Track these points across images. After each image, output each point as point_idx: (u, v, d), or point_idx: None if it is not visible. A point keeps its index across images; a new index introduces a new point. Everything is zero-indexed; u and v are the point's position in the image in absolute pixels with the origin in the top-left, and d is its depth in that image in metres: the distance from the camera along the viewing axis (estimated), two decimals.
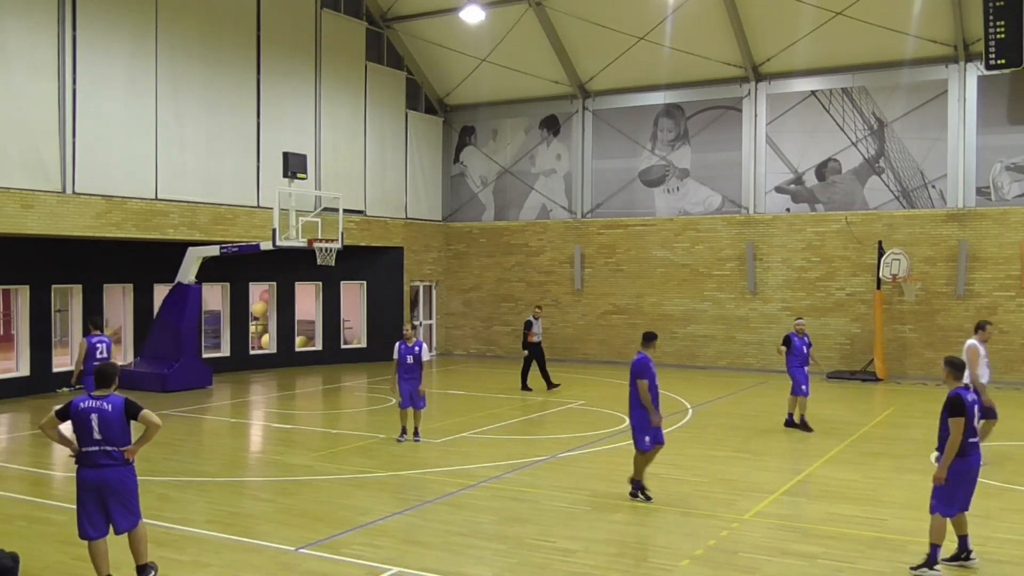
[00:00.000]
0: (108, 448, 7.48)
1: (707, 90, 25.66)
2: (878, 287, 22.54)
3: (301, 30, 24.70)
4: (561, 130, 27.99)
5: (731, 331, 25.14)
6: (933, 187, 23.05)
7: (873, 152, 23.72)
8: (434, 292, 29.85)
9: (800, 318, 17.10)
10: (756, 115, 25.04)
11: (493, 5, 25.09)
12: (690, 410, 18.00)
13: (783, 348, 15.95)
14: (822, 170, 24.33)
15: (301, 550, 8.83)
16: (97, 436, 7.46)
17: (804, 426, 15.58)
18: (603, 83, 26.93)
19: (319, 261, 20.34)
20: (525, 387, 20.72)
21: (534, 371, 20.86)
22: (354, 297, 27.92)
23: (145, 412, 7.62)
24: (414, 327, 15.36)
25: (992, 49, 20.99)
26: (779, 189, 24.87)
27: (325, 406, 19.84)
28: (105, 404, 7.52)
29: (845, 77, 23.96)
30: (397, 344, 14.53)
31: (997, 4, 20.74)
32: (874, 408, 18.90)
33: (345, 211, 21.68)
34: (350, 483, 11.83)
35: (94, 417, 7.46)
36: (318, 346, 26.82)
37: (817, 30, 23.11)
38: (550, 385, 20.68)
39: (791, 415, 15.89)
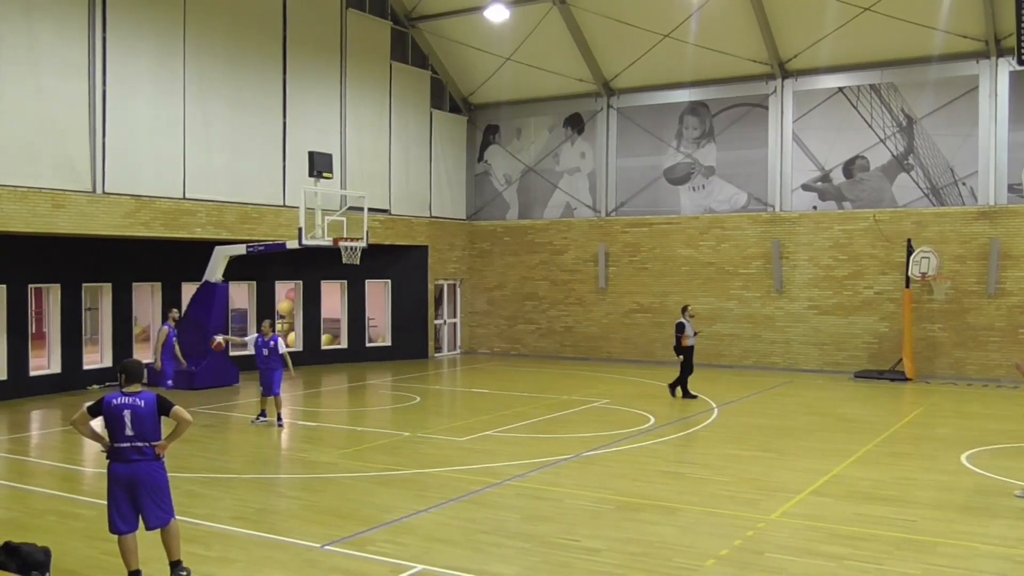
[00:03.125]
0: (140, 444, 7.58)
1: (732, 87, 25.50)
2: (907, 285, 22.30)
3: (327, 30, 24.81)
4: (585, 128, 27.92)
5: (757, 330, 24.98)
6: (963, 184, 22.77)
7: (902, 149, 23.46)
8: (458, 290, 29.90)
9: None
10: (782, 112, 24.85)
11: (517, 4, 25.07)
12: (716, 409, 17.91)
13: None
14: (850, 167, 24.10)
15: (326, 547, 8.87)
16: (129, 432, 7.55)
17: None
18: (628, 81, 26.84)
19: (344, 260, 20.42)
20: (688, 395, 19.14)
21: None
22: (379, 295, 28.02)
23: (177, 408, 7.73)
24: (271, 325, 16.50)
25: None
26: (806, 187, 24.66)
27: (350, 404, 19.92)
28: (138, 400, 7.61)
29: (873, 73, 23.72)
30: (255, 337, 16.24)
31: None
32: (902, 408, 18.70)
33: (370, 210, 21.76)
34: (375, 480, 11.87)
35: (127, 413, 7.55)
36: (343, 344, 26.94)
37: (844, 26, 22.89)
38: (687, 394, 19.12)
39: None
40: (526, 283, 28.73)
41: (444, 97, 29.25)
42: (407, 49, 27.77)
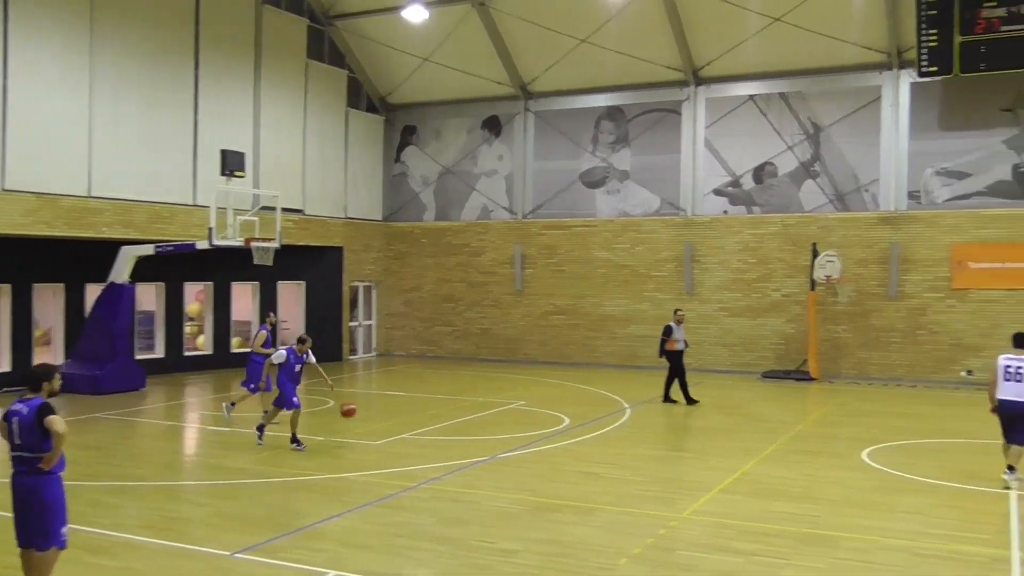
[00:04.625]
0: (26, 454, 7.08)
1: (648, 93, 25.91)
2: (812, 288, 22.98)
3: (241, 26, 24.33)
4: (503, 131, 28.01)
5: None
6: (866, 191, 23.59)
7: (809, 156, 24.18)
8: (374, 292, 29.65)
9: None
10: (695, 119, 25.36)
11: (436, 5, 25.01)
12: (628, 409, 18.15)
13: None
14: (759, 173, 24.73)
15: (237, 555, 8.69)
16: (17, 441, 7.10)
17: None
18: (545, 84, 27.03)
19: (256, 261, 20.04)
20: (668, 399, 18.98)
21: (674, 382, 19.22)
22: (293, 297, 27.59)
23: (50, 418, 7.00)
24: (308, 343, 14.87)
25: (924, 57, 21.59)
26: (717, 192, 25.22)
27: (262, 408, 19.54)
28: (24, 408, 7.16)
29: (782, 82, 24.39)
30: (285, 352, 14.11)
31: (929, 13, 21.35)
32: (808, 407, 19.27)
33: (283, 210, 21.41)
34: (288, 486, 11.68)
35: (15, 421, 7.12)
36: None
37: (756, 35, 23.51)
38: (689, 400, 18.78)
39: None
40: (443, 285, 28.67)
41: (361, 96, 28.98)
42: (324, 47, 27.43)
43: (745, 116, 24.81)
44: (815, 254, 22.86)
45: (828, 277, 22.51)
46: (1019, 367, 11.81)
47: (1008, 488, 11.40)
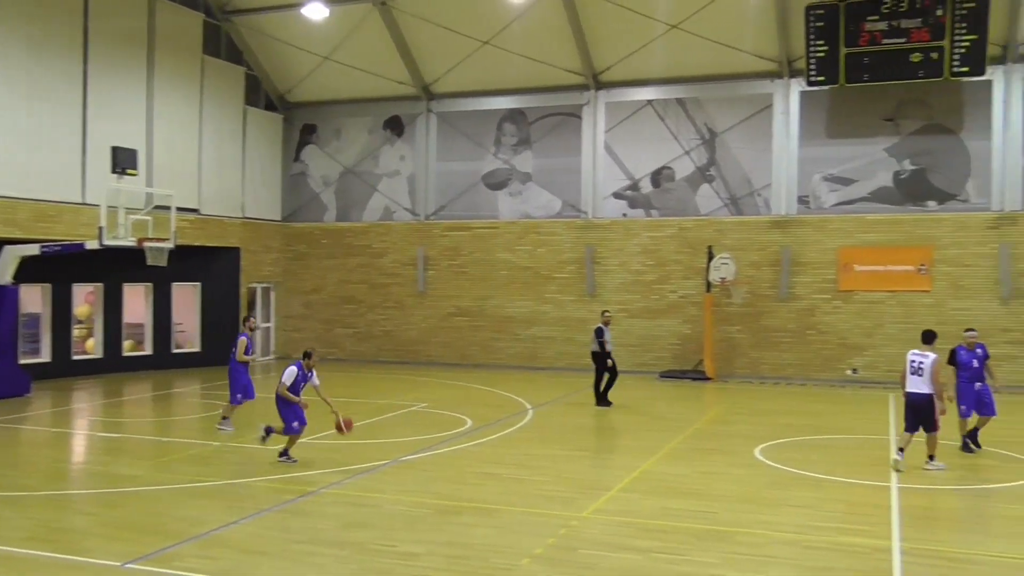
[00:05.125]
0: None
1: (549, 96, 26.17)
2: (708, 290, 23.60)
3: (133, 19, 23.55)
4: (405, 131, 27.87)
5: (571, 332, 25.71)
6: (759, 195, 24.35)
7: (704, 161, 24.82)
8: (273, 294, 29.09)
9: (971, 329, 14.59)
10: (596, 122, 25.74)
11: (337, 3, 24.70)
12: (530, 410, 18.29)
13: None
14: (657, 177, 25.27)
15: (128, 564, 8.41)
16: None
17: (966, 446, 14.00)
18: (448, 85, 27.01)
19: (149, 261, 19.44)
20: (603, 402, 18.78)
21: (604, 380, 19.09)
22: (187, 299, 26.82)
23: None
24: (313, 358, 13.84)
25: (813, 66, 22.42)
26: (617, 195, 25.65)
27: (155, 413, 18.99)
28: None
29: (679, 88, 24.97)
30: (294, 370, 12.93)
31: (817, 25, 22.17)
32: (704, 406, 19.77)
33: (178, 209, 20.80)
34: (183, 492, 11.37)
35: None
36: (148, 351, 25.61)
37: (654, 42, 24.00)
38: (600, 401, 18.77)
39: (965, 438, 14.06)
40: (344, 286, 28.34)
41: (259, 94, 28.41)
42: (220, 43, 26.77)
43: (644, 121, 25.31)
44: (710, 257, 23.48)
45: (723, 279, 23.14)
46: (921, 362, 12.55)
47: (898, 471, 12.31)
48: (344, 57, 26.66)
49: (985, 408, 13.86)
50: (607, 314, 19.69)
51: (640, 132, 25.33)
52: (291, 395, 12.88)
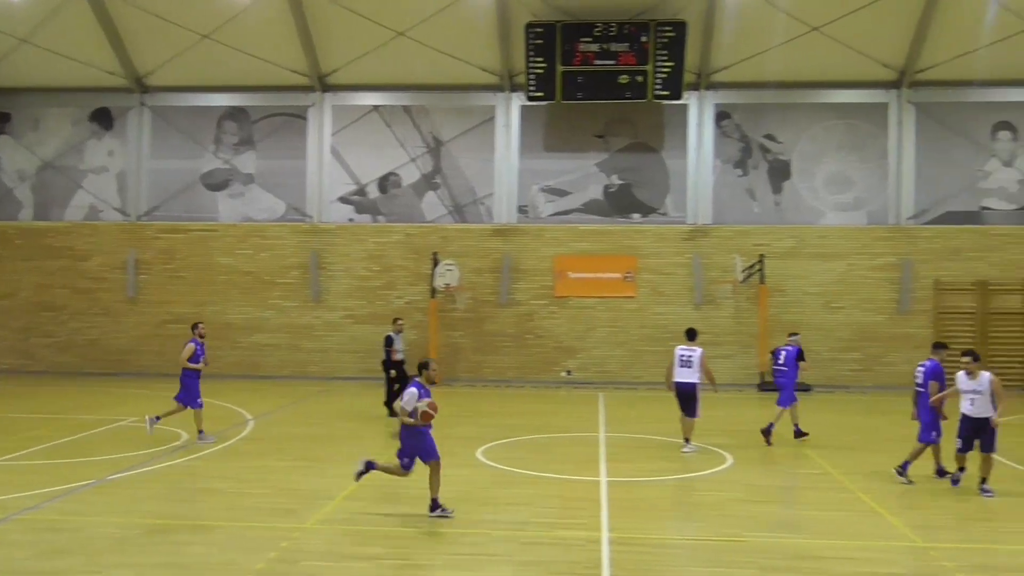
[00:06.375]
0: None
1: (273, 96, 25.48)
2: (433, 296, 24.01)
3: None
4: (115, 125, 25.98)
5: (295, 339, 25.16)
6: (482, 204, 25.13)
7: (430, 169, 25.24)
8: None
9: (795, 333, 16.41)
10: (322, 125, 25.39)
11: None
12: (251, 421, 17.69)
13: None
14: (384, 183, 25.36)
15: None
16: None
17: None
18: (164, 79, 25.51)
19: None
20: (394, 412, 17.73)
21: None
22: None
23: None
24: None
25: (532, 82, 23.50)
26: (343, 199, 25.45)
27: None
28: None
29: (406, 95, 25.23)
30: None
31: (536, 42, 23.26)
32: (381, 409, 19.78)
33: None
34: None
35: None
36: None
37: (381, 48, 24.06)
38: (393, 412, 17.99)
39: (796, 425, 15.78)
40: (43, 291, 25.88)
41: None
42: None
43: (371, 126, 25.31)
44: (435, 263, 23.90)
45: (447, 285, 23.65)
46: (690, 356, 14.56)
47: (684, 452, 14.42)
48: (44, 41, 24.39)
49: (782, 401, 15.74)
50: (399, 322, 19.37)
51: (367, 137, 25.31)
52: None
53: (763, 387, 23.12)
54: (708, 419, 15.50)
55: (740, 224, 24.38)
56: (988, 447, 11.73)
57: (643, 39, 23.04)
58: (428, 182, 25.26)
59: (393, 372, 18.47)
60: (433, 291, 23.97)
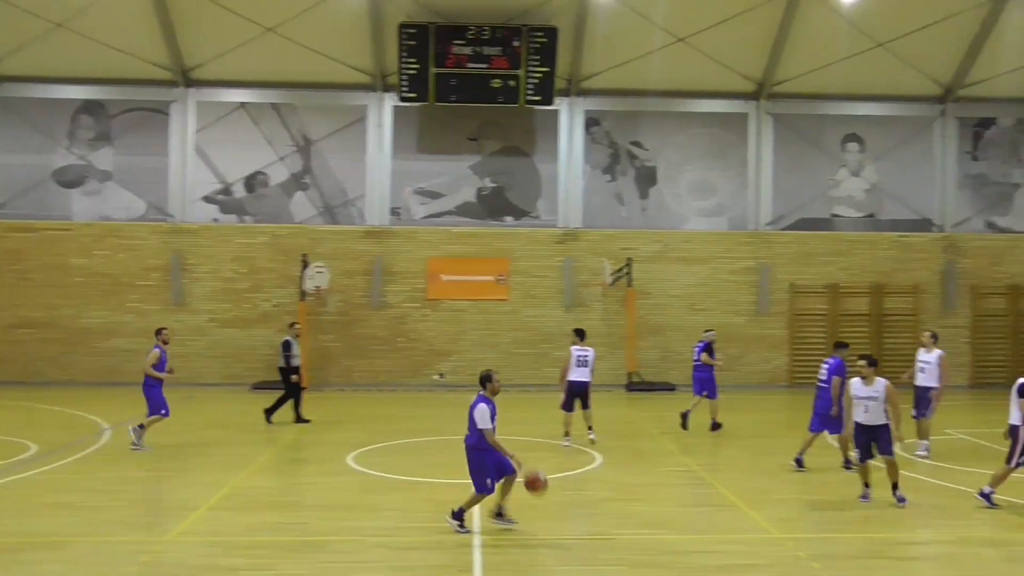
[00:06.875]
0: None
1: (133, 90, 24.42)
2: (302, 299, 23.53)
3: None
4: None
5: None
6: (354, 205, 24.79)
7: (300, 168, 24.73)
8: None
9: (709, 330, 18.22)
10: (186, 121, 24.50)
11: None
12: (108, 430, 16.89)
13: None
14: (251, 182, 24.69)
15: None
16: None
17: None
18: (11, 68, 24.04)
19: None
20: (300, 419, 17.91)
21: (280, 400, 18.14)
22: None
23: None
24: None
25: (405, 83, 23.35)
26: (208, 199, 24.63)
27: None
28: None
29: (275, 93, 24.63)
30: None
31: (409, 43, 23.13)
32: (290, 415, 19.42)
33: None
34: None
35: None
36: None
37: (248, 43, 23.40)
38: (268, 417, 17.92)
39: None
40: None
41: None
42: None
43: (237, 123, 24.60)
44: (305, 265, 23.44)
45: (317, 288, 23.22)
46: (586, 356, 15.50)
47: (593, 441, 15.29)
48: None
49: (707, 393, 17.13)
50: (296, 326, 19.00)
51: (233, 135, 24.57)
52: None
53: (631, 387, 23.71)
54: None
55: (609, 228, 24.89)
56: (886, 450, 11.41)
57: (515, 43, 23.25)
58: (297, 182, 24.75)
59: (295, 377, 18.11)
60: (303, 294, 23.49)
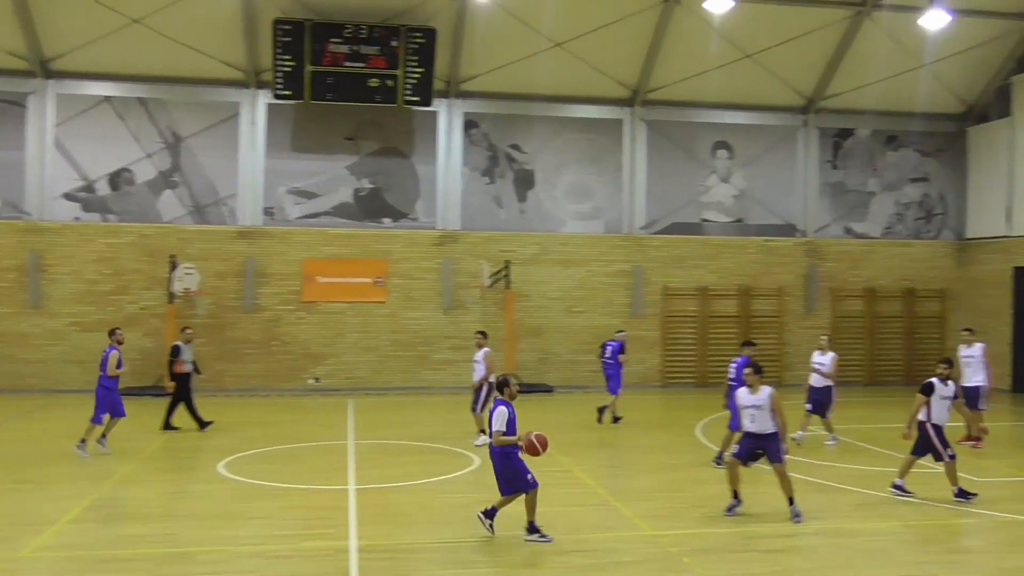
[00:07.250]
0: None
1: None
2: (171, 301, 22.68)
3: None
4: None
5: (11, 349, 22.82)
6: (225, 205, 24.05)
7: (168, 166, 23.82)
8: None
9: (621, 331, 20.31)
10: (44, 114, 23.25)
11: None
12: None
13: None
14: (116, 180, 23.63)
15: None
16: None
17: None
18: None
19: None
20: (169, 426, 17.52)
21: (179, 407, 17.75)
22: None
23: None
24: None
25: (280, 80, 22.82)
26: (69, 196, 23.45)
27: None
28: None
29: (142, 87, 23.66)
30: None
31: (284, 39, 22.61)
32: (159, 423, 18.75)
33: None
34: None
35: None
36: None
37: (113, 34, 22.42)
38: (202, 424, 17.60)
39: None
40: None
41: None
42: None
43: (101, 118, 23.50)
44: (173, 266, 22.60)
45: (187, 290, 22.44)
46: (476, 357, 16.32)
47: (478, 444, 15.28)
48: None
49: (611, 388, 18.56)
50: (188, 331, 18.47)
51: (97, 130, 23.45)
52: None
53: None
54: (456, 422, 15.74)
55: (487, 231, 24.96)
56: (775, 458, 11.06)
57: (393, 43, 23.05)
58: (166, 180, 23.84)
59: (173, 384, 17.80)
60: (171, 296, 22.63)
